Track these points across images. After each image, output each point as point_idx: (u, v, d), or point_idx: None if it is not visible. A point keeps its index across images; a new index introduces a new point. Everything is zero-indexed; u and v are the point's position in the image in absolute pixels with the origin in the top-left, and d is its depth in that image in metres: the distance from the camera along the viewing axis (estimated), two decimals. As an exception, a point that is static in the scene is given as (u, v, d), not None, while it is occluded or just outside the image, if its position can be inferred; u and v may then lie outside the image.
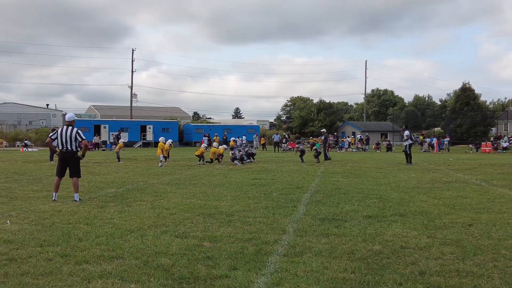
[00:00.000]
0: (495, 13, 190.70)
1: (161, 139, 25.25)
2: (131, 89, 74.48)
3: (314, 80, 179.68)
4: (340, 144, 51.21)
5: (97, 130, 57.90)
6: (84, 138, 11.29)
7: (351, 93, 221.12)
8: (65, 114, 12.65)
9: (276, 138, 47.24)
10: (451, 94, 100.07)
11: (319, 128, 78.50)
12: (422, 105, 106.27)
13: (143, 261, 5.86)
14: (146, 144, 60.52)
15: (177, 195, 12.04)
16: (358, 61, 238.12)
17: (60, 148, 11.29)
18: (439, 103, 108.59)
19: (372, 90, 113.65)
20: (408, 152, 25.21)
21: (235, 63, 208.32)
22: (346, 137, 59.03)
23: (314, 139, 60.27)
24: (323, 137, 32.67)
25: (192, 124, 73.76)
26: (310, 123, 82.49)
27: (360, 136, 54.63)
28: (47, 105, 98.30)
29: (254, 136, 53.53)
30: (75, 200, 11.00)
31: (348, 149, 49.76)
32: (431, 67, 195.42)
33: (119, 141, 29.55)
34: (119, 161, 27.37)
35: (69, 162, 11.28)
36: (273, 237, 7.14)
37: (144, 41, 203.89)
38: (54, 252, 6.27)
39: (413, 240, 7.01)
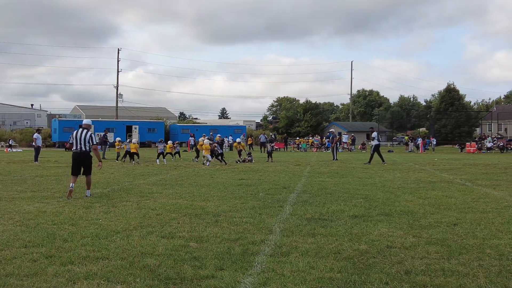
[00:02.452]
0: (480, 14, 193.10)
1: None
2: (117, 89, 74.18)
3: (300, 80, 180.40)
4: (327, 144, 51.36)
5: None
6: (95, 143, 12.36)
7: (337, 93, 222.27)
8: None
9: (262, 138, 47.14)
10: (436, 95, 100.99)
11: (305, 128, 78.74)
12: (407, 105, 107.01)
13: (129, 261, 5.82)
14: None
15: (163, 196, 11.99)
16: (344, 61, 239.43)
17: (74, 149, 12.16)
18: (424, 103, 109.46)
19: (358, 91, 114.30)
20: (377, 152, 25.74)
21: (221, 63, 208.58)
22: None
23: (300, 139, 60.44)
24: (330, 137, 32.91)
25: (178, 124, 73.55)
26: (296, 124, 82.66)
27: (342, 137, 54.71)
28: (32, 105, 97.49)
29: (241, 136, 53.39)
30: (87, 196, 11.85)
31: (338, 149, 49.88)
32: (416, 68, 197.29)
33: (116, 140, 30.23)
34: (117, 159, 27.99)
35: (83, 162, 12.16)
36: (259, 237, 7.14)
37: (130, 41, 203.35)
38: (39, 253, 6.22)
39: (398, 239, 7.04)
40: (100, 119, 66.53)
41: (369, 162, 25.52)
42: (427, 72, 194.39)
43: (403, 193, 12.50)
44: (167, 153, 28.10)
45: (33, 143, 27.10)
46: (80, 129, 12.24)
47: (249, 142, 52.01)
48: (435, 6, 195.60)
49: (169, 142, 31.06)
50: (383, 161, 25.46)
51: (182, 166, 23.58)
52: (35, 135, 27.42)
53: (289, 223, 8.26)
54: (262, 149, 45.82)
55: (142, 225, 8.12)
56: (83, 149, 12.07)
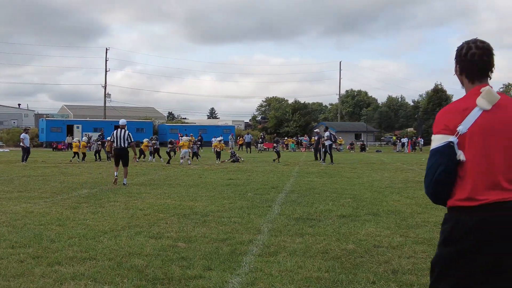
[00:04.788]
0: (469, 15, 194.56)
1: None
2: (105, 88, 73.67)
3: (289, 80, 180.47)
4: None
5: (69, 130, 57.15)
6: (132, 140, 14.86)
7: (326, 93, 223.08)
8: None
9: (247, 138, 46.70)
10: (424, 95, 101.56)
11: (294, 128, 78.86)
12: (395, 105, 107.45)
13: (117, 262, 5.81)
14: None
15: (151, 196, 11.96)
16: (333, 61, 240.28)
17: (115, 146, 14.73)
18: (411, 104, 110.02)
19: (347, 91, 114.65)
20: (329, 152, 26.46)
21: (210, 63, 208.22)
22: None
23: (289, 139, 60.54)
24: (316, 137, 32.76)
25: (167, 124, 73.30)
26: (285, 124, 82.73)
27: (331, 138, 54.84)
28: (19, 104, 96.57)
29: (230, 136, 53.28)
30: (124, 184, 14.16)
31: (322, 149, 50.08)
32: (404, 68, 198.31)
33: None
34: (108, 159, 28.08)
35: (122, 156, 14.66)
36: (247, 237, 7.15)
37: (119, 40, 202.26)
38: (25, 253, 6.18)
39: (386, 239, 7.08)
40: (88, 119, 66.16)
41: (323, 160, 26.56)
42: (415, 73, 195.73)
43: (390, 193, 12.57)
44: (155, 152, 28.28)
45: (21, 143, 26.85)
46: (119, 129, 14.66)
47: (240, 142, 51.76)
48: (423, 7, 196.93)
49: (145, 140, 30.45)
50: (331, 161, 26.25)
51: (169, 166, 23.51)
52: (23, 135, 27.13)
53: (277, 223, 8.28)
54: (248, 149, 45.46)
55: (130, 225, 8.10)
56: (122, 146, 14.52)
